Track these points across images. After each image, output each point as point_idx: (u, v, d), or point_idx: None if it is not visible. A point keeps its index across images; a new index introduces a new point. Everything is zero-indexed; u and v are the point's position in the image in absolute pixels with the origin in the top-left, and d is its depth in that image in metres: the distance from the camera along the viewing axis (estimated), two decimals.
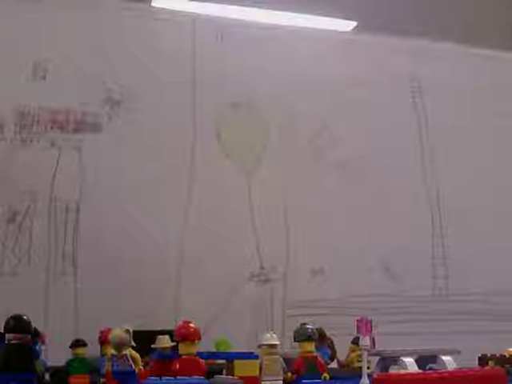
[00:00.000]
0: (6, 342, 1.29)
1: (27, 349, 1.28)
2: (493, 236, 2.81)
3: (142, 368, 1.43)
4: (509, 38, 3.53)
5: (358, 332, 1.69)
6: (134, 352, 1.44)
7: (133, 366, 1.41)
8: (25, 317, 1.29)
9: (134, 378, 1.40)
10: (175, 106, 2.58)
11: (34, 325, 1.37)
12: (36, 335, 1.44)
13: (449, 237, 2.79)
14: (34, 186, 2.34)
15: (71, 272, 2.32)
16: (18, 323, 1.28)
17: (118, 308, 2.23)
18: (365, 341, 1.68)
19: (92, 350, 1.82)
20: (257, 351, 1.62)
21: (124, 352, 1.42)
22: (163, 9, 2.95)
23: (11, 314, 1.33)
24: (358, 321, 1.70)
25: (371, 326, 1.69)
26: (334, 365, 2.00)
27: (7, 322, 1.29)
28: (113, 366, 1.40)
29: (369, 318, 1.70)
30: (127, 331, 1.44)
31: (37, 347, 1.38)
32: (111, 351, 1.42)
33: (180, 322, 1.47)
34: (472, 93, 2.97)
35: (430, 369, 1.70)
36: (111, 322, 1.64)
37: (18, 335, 1.28)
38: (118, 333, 1.42)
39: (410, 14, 3.61)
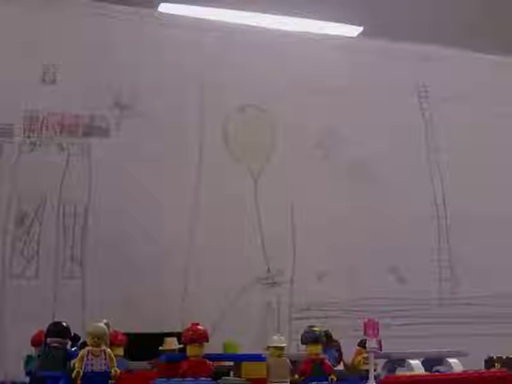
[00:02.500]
0: (47, 345, 1.43)
1: (62, 352, 1.42)
2: (499, 238, 2.82)
3: (117, 370, 1.41)
4: None
5: (365, 334, 1.70)
6: (109, 351, 1.43)
7: (109, 365, 1.39)
8: (64, 323, 1.43)
9: (105, 381, 1.38)
10: (182, 109, 2.60)
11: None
12: (75, 339, 1.52)
13: (455, 239, 2.79)
14: (42, 189, 2.35)
15: (79, 275, 2.33)
16: (56, 329, 1.43)
17: (125, 311, 2.24)
18: (372, 343, 1.69)
19: None
20: (264, 353, 1.63)
21: (102, 347, 1.41)
22: (169, 14, 2.97)
23: (54, 320, 1.47)
24: (364, 323, 1.71)
25: (378, 328, 1.70)
26: (340, 367, 2.01)
27: (49, 328, 1.42)
28: (86, 366, 1.38)
29: (376, 320, 1.71)
30: (106, 325, 1.43)
31: (74, 349, 1.48)
32: (87, 349, 1.40)
33: (188, 325, 1.48)
34: (478, 97, 2.98)
35: (437, 371, 1.70)
36: (118, 325, 1.65)
37: (57, 339, 1.42)
38: (97, 324, 1.42)
39: (416, 20, 3.62)
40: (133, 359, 1.66)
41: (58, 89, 2.47)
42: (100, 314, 2.22)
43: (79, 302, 2.29)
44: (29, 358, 1.81)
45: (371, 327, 1.69)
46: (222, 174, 2.58)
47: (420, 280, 2.69)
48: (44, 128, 2.41)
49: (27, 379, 1.78)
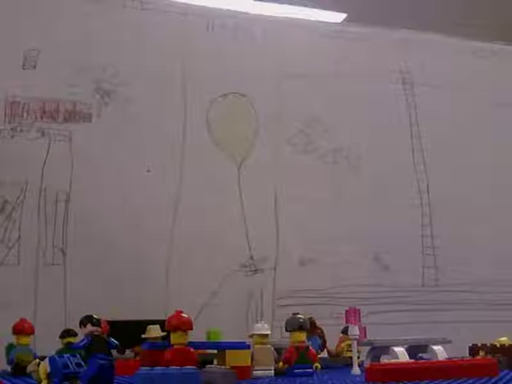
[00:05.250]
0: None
1: (103, 338, 1.44)
2: (481, 226, 2.82)
3: None
4: (498, 31, 3.55)
5: (347, 321, 1.70)
6: None
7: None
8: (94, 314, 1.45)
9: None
10: (165, 95, 2.58)
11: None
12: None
13: (438, 227, 2.79)
14: (23, 175, 2.32)
15: (61, 262, 2.31)
16: (94, 320, 1.44)
17: (107, 298, 2.23)
18: (354, 330, 1.69)
19: None
20: (248, 341, 1.63)
21: None
22: None
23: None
24: (346, 311, 1.70)
25: (359, 316, 1.69)
26: (323, 354, 2.01)
27: (86, 320, 1.44)
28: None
29: (357, 308, 1.70)
30: None
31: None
32: None
33: (172, 312, 1.47)
34: (462, 85, 2.98)
35: (421, 358, 1.70)
36: (101, 313, 1.64)
37: (96, 328, 1.43)
38: None
39: (401, 6, 3.62)
40: None
41: (38, 74, 2.44)
42: (81, 302, 2.22)
43: (61, 290, 2.28)
44: (10, 347, 1.79)
45: (353, 314, 1.69)
46: (205, 162, 2.56)
47: (403, 267, 2.70)
48: (25, 113, 2.39)
49: (8, 368, 1.77)
